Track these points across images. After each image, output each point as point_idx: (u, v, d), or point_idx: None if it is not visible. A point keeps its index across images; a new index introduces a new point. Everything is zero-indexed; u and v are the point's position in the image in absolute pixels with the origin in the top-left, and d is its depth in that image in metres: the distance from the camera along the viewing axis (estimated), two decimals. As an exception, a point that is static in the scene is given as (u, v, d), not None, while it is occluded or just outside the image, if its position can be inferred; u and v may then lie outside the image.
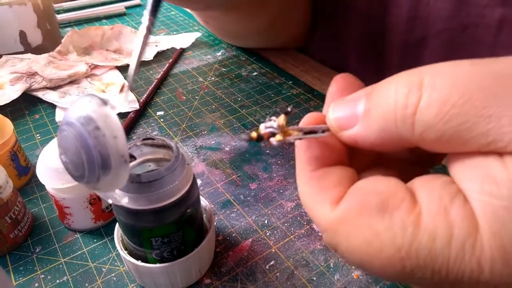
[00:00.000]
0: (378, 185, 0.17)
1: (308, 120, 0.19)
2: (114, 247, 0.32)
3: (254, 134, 0.18)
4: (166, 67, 0.57)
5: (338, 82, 0.20)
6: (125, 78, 0.55)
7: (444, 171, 0.17)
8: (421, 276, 0.15)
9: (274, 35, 0.57)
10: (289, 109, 0.19)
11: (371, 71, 0.54)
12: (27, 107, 0.50)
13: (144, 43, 0.25)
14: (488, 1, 0.38)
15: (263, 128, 0.18)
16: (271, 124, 0.18)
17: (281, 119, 0.19)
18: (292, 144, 0.19)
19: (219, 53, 0.62)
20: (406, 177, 0.18)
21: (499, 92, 0.14)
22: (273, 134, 0.18)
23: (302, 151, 0.19)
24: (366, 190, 0.17)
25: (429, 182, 0.16)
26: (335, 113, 0.18)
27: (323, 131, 0.19)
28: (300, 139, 0.19)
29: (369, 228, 0.16)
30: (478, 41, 0.40)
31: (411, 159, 0.21)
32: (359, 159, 0.20)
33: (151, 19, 0.26)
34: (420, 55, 0.47)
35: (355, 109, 0.18)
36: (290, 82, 0.54)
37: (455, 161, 0.16)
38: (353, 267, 0.30)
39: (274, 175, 0.39)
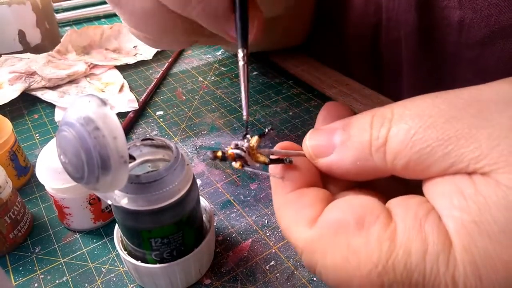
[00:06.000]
0: (353, 203, 0.17)
1: (282, 145, 0.20)
2: (114, 247, 0.32)
3: (219, 154, 0.19)
4: (165, 66, 0.57)
5: (328, 108, 0.22)
6: (124, 78, 0.54)
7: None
8: None
9: (283, 39, 0.57)
10: (266, 130, 0.20)
11: (370, 69, 0.54)
12: (26, 106, 0.50)
13: (246, 77, 0.24)
14: (447, 3, 0.39)
15: (233, 146, 0.19)
16: (242, 144, 0.19)
17: (254, 140, 0.19)
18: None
19: (219, 53, 0.62)
20: (388, 198, 0.18)
21: (457, 115, 0.16)
22: (239, 156, 0.19)
23: (277, 176, 0.19)
24: (342, 207, 0.17)
25: (404, 200, 0.17)
26: (312, 141, 0.20)
27: (290, 162, 0.19)
28: (258, 172, 0.20)
29: (346, 245, 0.16)
30: (444, 40, 0.41)
31: (393, 180, 0.21)
32: (340, 180, 0.21)
33: (244, 51, 0.25)
34: (399, 54, 0.47)
35: (331, 138, 0.19)
36: (291, 81, 0.54)
37: (427, 181, 0.17)
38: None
39: (274, 175, 0.39)
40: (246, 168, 0.19)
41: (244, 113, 0.23)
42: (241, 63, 0.24)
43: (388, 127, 0.17)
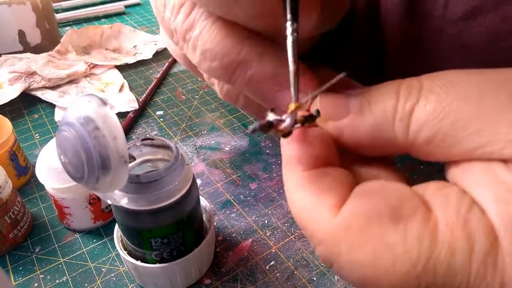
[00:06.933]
0: (387, 189, 0.15)
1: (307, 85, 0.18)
2: (114, 247, 0.32)
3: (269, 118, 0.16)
4: (165, 66, 0.57)
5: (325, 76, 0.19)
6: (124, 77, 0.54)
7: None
8: None
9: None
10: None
11: (368, 71, 0.53)
12: (26, 106, 0.50)
13: (294, 54, 0.18)
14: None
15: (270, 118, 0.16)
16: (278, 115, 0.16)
17: (292, 106, 0.16)
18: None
19: (219, 53, 0.62)
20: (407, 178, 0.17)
21: (493, 92, 0.14)
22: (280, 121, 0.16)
23: (292, 149, 0.17)
24: (375, 195, 0.15)
25: (442, 190, 0.15)
26: (325, 101, 0.17)
27: (318, 112, 0.17)
28: (313, 119, 0.16)
29: (379, 239, 0.14)
30: (429, 15, 0.40)
31: None
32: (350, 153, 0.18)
33: (295, 25, 0.18)
34: (381, 29, 0.46)
35: (347, 101, 0.17)
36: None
37: (458, 168, 0.15)
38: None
39: (274, 175, 0.39)
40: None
41: (293, 95, 0.17)
42: (290, 39, 0.18)
43: (416, 96, 0.15)
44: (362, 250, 0.14)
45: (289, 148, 0.17)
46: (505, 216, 0.13)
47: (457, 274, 0.13)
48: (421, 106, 0.15)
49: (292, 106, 0.16)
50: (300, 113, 0.17)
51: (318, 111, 0.17)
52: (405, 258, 0.14)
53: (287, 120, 0.16)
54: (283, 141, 0.17)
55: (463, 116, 0.14)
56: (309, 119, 0.17)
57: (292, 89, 0.17)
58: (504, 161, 0.14)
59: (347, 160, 0.18)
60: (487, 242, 0.13)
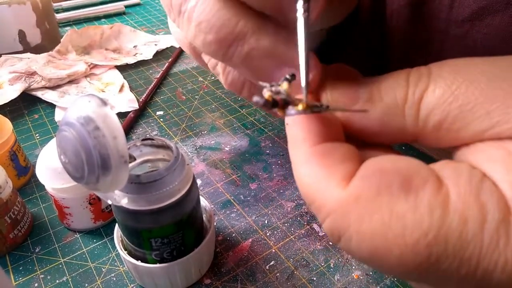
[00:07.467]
0: (397, 162, 0.15)
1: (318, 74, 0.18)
2: (114, 247, 0.32)
3: (268, 95, 0.15)
4: (165, 66, 0.57)
5: (335, 67, 0.19)
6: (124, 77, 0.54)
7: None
8: (446, 268, 0.14)
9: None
10: (287, 76, 0.17)
11: (369, 71, 0.53)
12: (26, 106, 0.50)
13: (307, 34, 0.17)
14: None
15: (271, 94, 0.16)
16: (278, 89, 0.16)
17: (285, 85, 0.16)
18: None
19: (219, 53, 0.62)
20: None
21: (501, 75, 0.15)
22: (285, 102, 0.16)
23: (299, 125, 0.17)
24: (385, 166, 0.15)
25: (452, 163, 0.15)
26: (335, 88, 0.17)
27: (327, 107, 0.16)
28: (319, 111, 0.16)
29: (389, 209, 0.14)
30: (434, 17, 0.40)
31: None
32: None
33: (305, 5, 0.17)
34: (386, 31, 0.46)
35: (358, 88, 0.17)
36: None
37: (467, 149, 0.15)
38: (353, 266, 0.30)
39: (274, 175, 0.39)
40: (303, 109, 0.16)
41: (303, 78, 0.17)
42: (301, 15, 0.17)
43: (426, 82, 0.16)
44: (371, 220, 0.14)
45: (295, 123, 0.17)
46: None
47: (469, 243, 0.13)
48: (430, 91, 0.15)
49: (302, 106, 0.16)
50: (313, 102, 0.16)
51: (327, 107, 0.16)
52: (416, 228, 0.14)
53: (292, 112, 0.16)
54: (288, 119, 0.17)
55: (472, 99, 0.14)
56: (316, 111, 0.16)
57: (302, 66, 0.16)
58: None
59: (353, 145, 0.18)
60: (500, 212, 0.13)
